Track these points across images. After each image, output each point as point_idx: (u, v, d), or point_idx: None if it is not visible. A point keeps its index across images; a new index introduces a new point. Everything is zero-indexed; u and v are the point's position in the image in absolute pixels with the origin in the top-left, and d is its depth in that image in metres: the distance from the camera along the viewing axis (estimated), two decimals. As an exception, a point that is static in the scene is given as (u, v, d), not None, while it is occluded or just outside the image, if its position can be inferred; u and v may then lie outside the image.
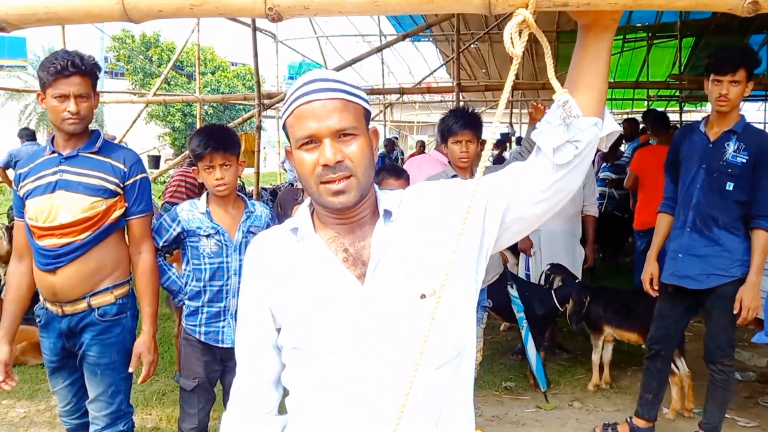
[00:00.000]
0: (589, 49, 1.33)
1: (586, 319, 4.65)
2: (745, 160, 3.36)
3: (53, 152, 2.70)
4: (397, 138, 17.51)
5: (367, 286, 1.37)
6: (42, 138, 14.54)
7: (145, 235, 2.79)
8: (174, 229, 2.88)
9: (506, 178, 1.44)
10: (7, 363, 2.77)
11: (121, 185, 2.70)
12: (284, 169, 16.60)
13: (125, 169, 2.71)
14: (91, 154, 2.69)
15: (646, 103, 17.78)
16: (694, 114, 21.04)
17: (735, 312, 3.38)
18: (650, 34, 11.47)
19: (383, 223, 1.41)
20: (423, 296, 1.36)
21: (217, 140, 2.81)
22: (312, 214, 1.46)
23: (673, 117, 19.06)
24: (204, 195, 2.97)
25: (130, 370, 2.75)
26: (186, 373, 2.96)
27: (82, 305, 2.70)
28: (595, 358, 4.73)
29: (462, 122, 3.48)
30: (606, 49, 1.33)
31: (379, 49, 10.45)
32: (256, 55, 8.69)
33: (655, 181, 5.54)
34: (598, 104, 1.33)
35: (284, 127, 1.41)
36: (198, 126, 14.03)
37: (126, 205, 2.73)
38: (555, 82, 1.26)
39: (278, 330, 1.46)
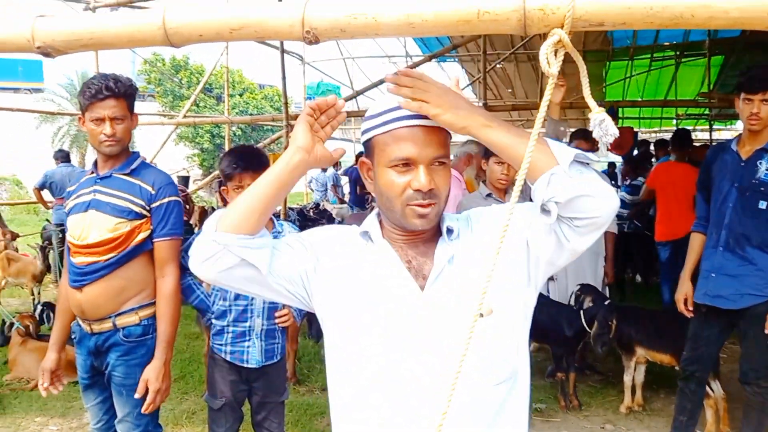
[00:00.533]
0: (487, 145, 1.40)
1: (617, 340, 4.58)
2: None
3: (93, 172, 2.77)
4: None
5: (426, 294, 1.40)
6: (75, 160, 14.80)
7: (169, 259, 2.75)
8: None
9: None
10: (53, 369, 2.83)
11: (147, 207, 2.71)
12: (310, 189, 16.72)
13: (152, 192, 2.72)
14: (123, 176, 2.72)
15: (674, 121, 17.60)
16: (723, 132, 20.74)
17: (767, 332, 3.31)
18: (678, 53, 11.41)
19: (447, 239, 1.46)
20: (481, 315, 1.38)
21: (247, 161, 2.83)
22: (380, 223, 1.50)
23: (703, 135, 18.88)
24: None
25: (136, 396, 2.66)
26: (213, 392, 2.97)
27: (108, 324, 2.72)
28: (627, 379, 4.64)
29: None
30: (488, 138, 1.35)
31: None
32: (284, 77, 8.81)
33: (671, 195, 5.95)
34: (536, 165, 1.29)
35: (368, 140, 1.42)
36: (226, 147, 14.22)
37: (152, 227, 2.73)
38: (591, 101, 1.26)
39: (302, 290, 1.47)
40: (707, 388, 4.02)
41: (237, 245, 1.37)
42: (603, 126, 1.25)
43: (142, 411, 2.70)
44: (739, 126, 22.19)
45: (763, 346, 3.39)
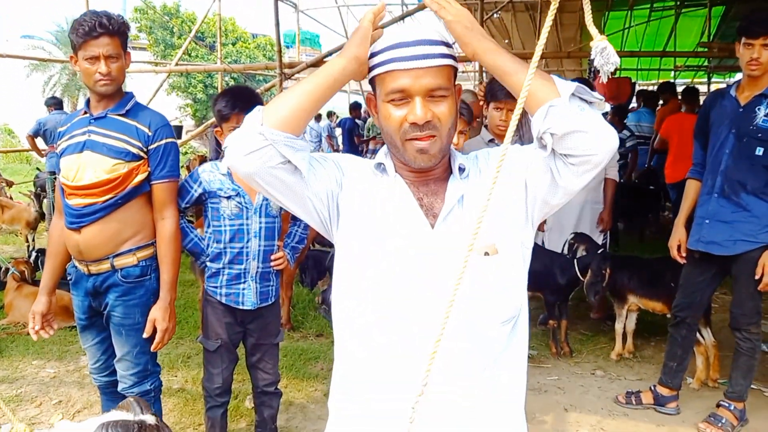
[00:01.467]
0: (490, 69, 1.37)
1: (610, 288, 4.62)
2: None
3: (86, 113, 2.72)
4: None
5: (436, 231, 1.41)
6: (67, 108, 14.62)
7: (168, 201, 2.75)
8: (195, 191, 2.87)
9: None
10: (44, 313, 2.84)
11: (145, 149, 2.69)
12: (304, 140, 16.61)
13: (149, 133, 2.69)
14: (118, 116, 2.68)
15: (672, 73, 17.42)
16: (721, 85, 20.59)
17: (757, 278, 3.36)
18: (678, 2, 11.22)
19: (458, 177, 1.45)
20: (486, 254, 1.39)
21: (244, 101, 2.78)
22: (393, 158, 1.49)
23: (701, 88, 18.73)
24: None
25: (144, 335, 2.73)
26: (208, 334, 2.99)
27: (106, 265, 2.72)
28: (618, 327, 4.70)
29: (507, 91, 3.45)
30: (494, 62, 1.35)
31: (401, 18, 10.33)
32: (277, 24, 8.64)
33: (681, 142, 6.68)
34: (536, 96, 1.29)
35: (371, 78, 1.42)
36: (220, 97, 14.02)
37: (149, 169, 2.72)
38: (592, 29, 1.23)
39: (326, 211, 1.47)
40: (698, 336, 4.08)
41: (283, 143, 1.33)
42: (604, 54, 1.23)
43: (152, 349, 2.76)
44: (738, 78, 22.08)
45: (754, 292, 3.43)
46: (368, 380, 1.45)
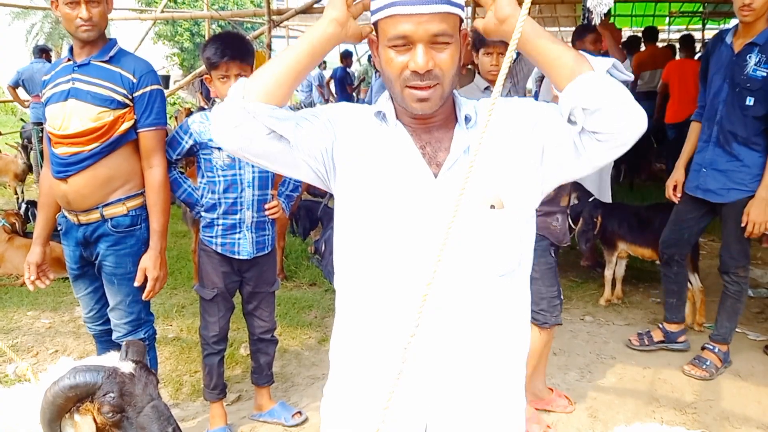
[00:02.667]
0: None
1: (600, 236, 4.66)
2: (765, 74, 3.30)
3: (69, 60, 2.67)
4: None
5: (440, 181, 1.38)
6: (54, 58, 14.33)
7: (155, 149, 2.72)
8: (186, 142, 2.84)
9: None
10: (39, 263, 2.85)
11: (130, 96, 2.64)
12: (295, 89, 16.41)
13: (134, 80, 2.64)
14: (102, 63, 2.64)
15: (667, 19, 17.22)
16: (715, 31, 20.39)
17: (743, 225, 3.43)
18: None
19: (465, 127, 1.42)
20: (492, 207, 1.38)
21: (234, 49, 2.73)
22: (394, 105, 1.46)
23: (696, 35, 18.53)
24: (216, 106, 2.91)
25: (135, 284, 2.73)
26: (205, 283, 3.01)
27: (95, 215, 2.71)
28: (608, 273, 4.77)
29: None
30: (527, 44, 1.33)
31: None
32: (265, -31, 8.45)
33: (681, 85, 7.25)
34: (567, 67, 1.30)
35: (374, 23, 1.37)
36: (207, 45, 13.74)
37: (135, 116, 2.68)
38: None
39: (322, 166, 1.45)
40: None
41: (267, 114, 1.32)
42: None
43: (143, 298, 2.77)
44: (732, 24, 21.85)
45: (742, 236, 3.50)
46: (368, 329, 1.46)
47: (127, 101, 2.64)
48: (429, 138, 1.42)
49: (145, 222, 2.79)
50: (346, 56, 13.93)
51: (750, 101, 3.36)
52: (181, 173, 3.01)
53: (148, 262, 2.74)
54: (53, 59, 9.63)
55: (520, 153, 1.41)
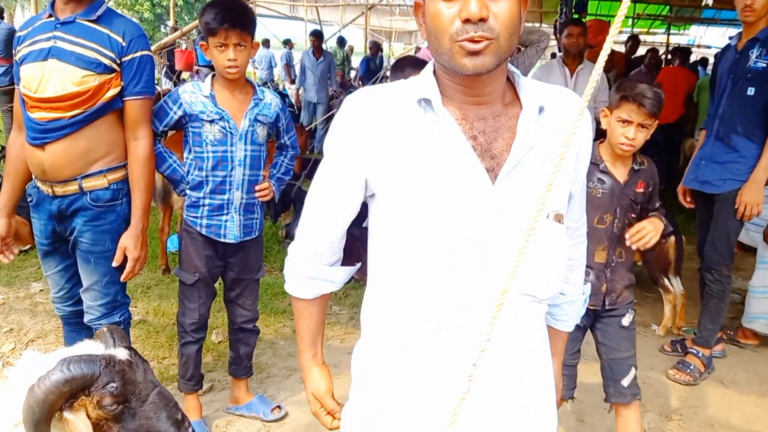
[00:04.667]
0: None
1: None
2: (765, 65, 3.35)
3: (50, 16, 2.42)
4: (378, 42, 16.90)
5: (498, 187, 1.19)
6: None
7: (142, 120, 2.52)
8: (175, 113, 2.63)
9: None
10: (4, 236, 2.62)
11: (118, 61, 2.43)
12: (254, 68, 16.08)
13: (123, 43, 2.43)
14: (88, 22, 2.40)
15: (630, 21, 17.44)
16: (677, 37, 20.80)
17: (735, 207, 3.44)
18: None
19: (536, 116, 1.23)
20: (549, 216, 1.25)
21: (235, 16, 2.53)
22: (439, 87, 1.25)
23: (660, 39, 18.83)
24: (209, 76, 2.71)
25: (114, 264, 2.55)
26: (186, 267, 2.80)
27: (73, 187, 2.49)
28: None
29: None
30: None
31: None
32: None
33: (669, 89, 7.17)
34: None
35: None
36: (170, 16, 13.34)
37: (122, 83, 2.47)
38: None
39: (369, 195, 1.31)
40: (667, 284, 4.13)
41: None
42: None
43: (122, 279, 2.58)
44: (692, 31, 22.33)
45: (731, 232, 3.54)
46: (396, 349, 1.30)
47: (115, 66, 2.42)
48: (483, 125, 1.22)
49: (127, 197, 2.57)
50: (314, 35, 13.70)
51: (751, 91, 3.41)
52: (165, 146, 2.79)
53: (129, 241, 2.54)
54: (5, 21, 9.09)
55: (569, 166, 1.30)
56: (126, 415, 1.48)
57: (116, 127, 2.52)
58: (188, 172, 2.72)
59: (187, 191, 2.73)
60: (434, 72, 1.26)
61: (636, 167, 2.53)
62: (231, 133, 2.65)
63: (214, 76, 2.69)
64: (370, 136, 1.23)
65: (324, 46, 11.62)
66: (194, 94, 2.64)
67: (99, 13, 2.43)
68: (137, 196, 2.55)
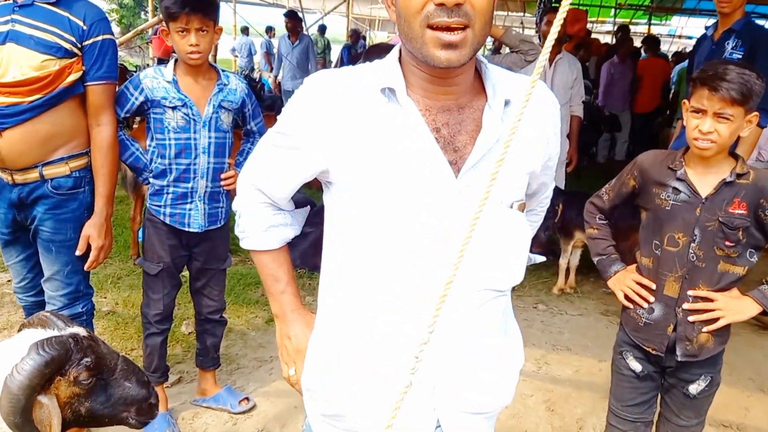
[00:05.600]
0: None
1: (559, 224, 4.59)
2: (740, 56, 3.34)
3: None
4: (359, 30, 16.81)
5: (461, 180, 1.17)
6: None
7: (105, 106, 2.47)
8: (137, 98, 2.57)
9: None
10: None
11: (79, 45, 2.37)
12: (234, 56, 15.95)
13: (84, 27, 2.36)
14: (47, 5, 2.33)
15: (612, 11, 17.49)
16: (658, 27, 20.89)
17: None
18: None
19: (501, 110, 1.19)
20: (513, 206, 1.23)
21: (197, 0, 2.46)
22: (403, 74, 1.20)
23: (641, 29, 18.90)
24: (171, 61, 2.65)
25: (77, 253, 2.49)
26: (149, 257, 2.75)
27: (34, 175, 2.42)
28: (562, 262, 4.71)
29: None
30: None
31: None
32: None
33: (648, 79, 8.48)
34: None
35: None
36: (148, 4, 13.12)
37: (84, 68, 2.40)
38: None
39: (327, 182, 1.29)
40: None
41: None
42: None
43: (85, 268, 2.52)
44: (674, 22, 22.44)
45: None
46: (369, 329, 1.28)
47: (75, 50, 2.35)
48: (446, 117, 1.19)
49: (89, 185, 2.52)
50: (289, 17, 13.59)
51: None
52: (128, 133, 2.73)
53: (92, 230, 2.48)
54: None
55: (535, 156, 1.29)
56: (97, 388, 1.53)
57: (78, 112, 2.46)
58: (151, 160, 2.66)
59: (151, 179, 2.67)
60: (399, 58, 1.22)
61: (730, 179, 1.96)
62: (194, 119, 2.60)
63: (176, 61, 2.63)
64: (332, 122, 1.20)
65: (306, 32, 11.52)
66: (156, 80, 2.58)
67: None
68: (101, 183, 2.50)
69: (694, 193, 1.99)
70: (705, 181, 2.00)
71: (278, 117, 1.30)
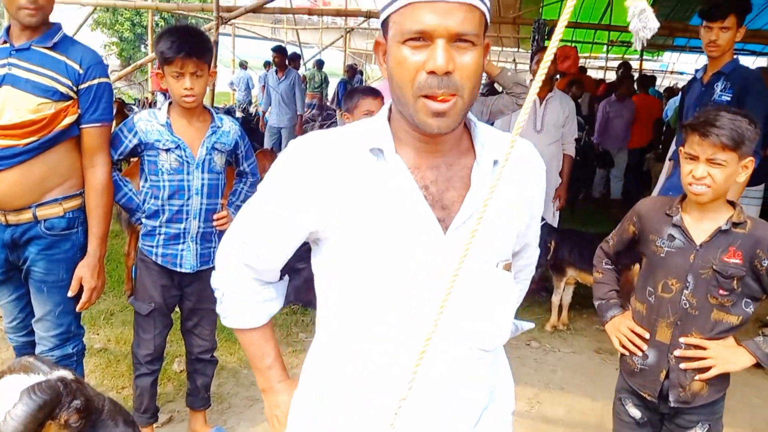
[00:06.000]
0: None
1: (551, 262, 4.61)
2: (729, 98, 3.41)
3: (5, 42, 2.40)
4: (355, 65, 17.01)
5: (449, 238, 1.20)
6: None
7: (99, 148, 2.51)
8: (130, 141, 2.61)
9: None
10: None
11: (75, 88, 2.42)
12: (232, 89, 16.12)
13: (81, 71, 2.41)
14: (44, 49, 2.39)
15: (605, 47, 17.73)
16: (650, 62, 21.17)
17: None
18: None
19: (490, 169, 1.22)
20: (499, 265, 1.26)
21: (192, 45, 2.50)
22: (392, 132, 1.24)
23: (633, 65, 19.13)
24: (165, 104, 2.70)
25: (69, 294, 2.51)
26: (141, 296, 2.76)
27: (27, 215, 2.45)
28: (555, 299, 4.72)
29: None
30: None
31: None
32: (217, -37, 8.15)
33: (641, 116, 8.59)
34: None
35: (385, 19, 1.18)
36: (149, 37, 13.35)
37: (79, 111, 2.45)
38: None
39: (315, 239, 1.30)
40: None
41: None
42: (643, 17, 1.05)
43: (77, 309, 2.54)
44: (665, 58, 22.74)
45: None
46: (350, 390, 1.30)
47: (72, 93, 2.40)
48: (435, 175, 1.22)
49: (82, 225, 2.55)
50: (293, 59, 13.78)
51: None
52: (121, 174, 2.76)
53: (85, 270, 2.51)
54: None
55: (521, 218, 1.31)
56: (86, 430, 1.50)
57: (73, 154, 2.50)
58: (144, 200, 2.69)
59: (143, 220, 2.70)
60: (388, 116, 1.26)
61: (725, 227, 1.97)
62: (187, 161, 2.63)
63: (171, 103, 2.68)
64: (322, 181, 1.21)
65: (303, 68, 11.63)
66: (150, 122, 2.62)
67: (55, 40, 2.42)
68: (95, 224, 2.53)
69: (688, 240, 2.00)
70: (700, 228, 2.01)
71: (258, 186, 1.33)
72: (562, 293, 4.72)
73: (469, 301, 1.22)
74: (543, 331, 4.70)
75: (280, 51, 9.31)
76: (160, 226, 2.68)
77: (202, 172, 2.66)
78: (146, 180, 2.68)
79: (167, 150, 2.60)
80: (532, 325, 1.55)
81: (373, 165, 1.21)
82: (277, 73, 9.03)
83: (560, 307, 4.75)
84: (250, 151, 2.89)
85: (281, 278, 1.45)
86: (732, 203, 2.04)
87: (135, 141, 2.61)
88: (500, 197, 1.22)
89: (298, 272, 3.62)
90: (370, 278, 1.22)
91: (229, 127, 2.76)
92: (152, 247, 2.70)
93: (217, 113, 2.78)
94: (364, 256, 1.21)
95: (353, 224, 1.21)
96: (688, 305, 2.00)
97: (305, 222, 1.24)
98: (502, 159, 1.19)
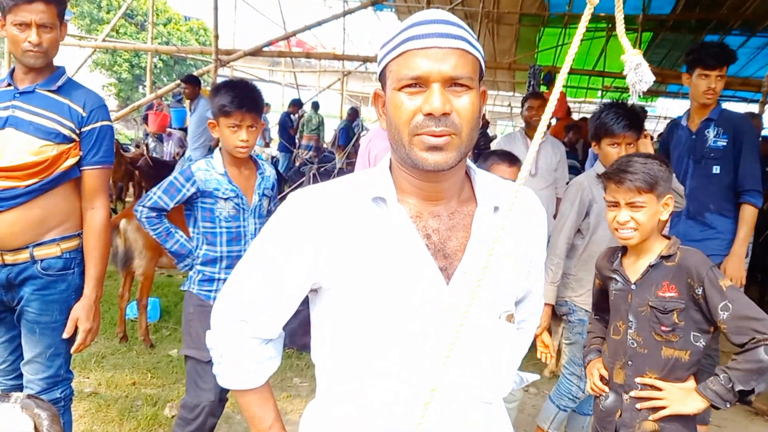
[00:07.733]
0: None
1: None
2: (725, 143, 3.47)
3: (9, 85, 2.42)
4: (357, 108, 17.20)
5: (452, 287, 1.19)
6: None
7: (100, 190, 2.52)
8: (188, 190, 2.67)
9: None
10: None
11: (77, 131, 2.43)
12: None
13: (84, 114, 2.44)
14: (48, 92, 2.41)
15: (599, 93, 17.99)
16: (648, 107, 21.45)
17: (729, 283, 3.44)
18: (611, 25, 11.52)
19: (491, 215, 1.23)
20: (501, 317, 1.25)
21: (251, 101, 2.64)
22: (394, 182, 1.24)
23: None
24: (218, 153, 2.76)
25: (65, 335, 2.48)
26: (199, 344, 2.65)
27: (24, 255, 2.43)
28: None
29: (624, 123, 2.87)
30: None
31: (343, 15, 10.21)
32: (216, 7, 8.29)
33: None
34: None
35: (382, 70, 1.20)
36: (147, 78, 13.49)
37: (81, 153, 2.46)
38: (624, 41, 1.10)
39: (315, 289, 1.28)
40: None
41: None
42: (639, 71, 1.09)
43: (72, 351, 2.51)
44: (658, 103, 23.05)
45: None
46: (358, 404, 1.26)
47: (74, 136, 2.42)
48: (437, 223, 1.22)
49: (79, 267, 2.53)
50: (293, 104, 13.99)
51: (716, 169, 3.51)
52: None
53: (81, 312, 2.48)
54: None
55: (520, 267, 1.31)
56: None
57: (72, 195, 2.50)
58: (197, 246, 2.75)
59: (198, 267, 2.75)
60: (390, 166, 1.26)
61: (654, 262, 2.04)
62: (243, 208, 2.74)
63: (220, 150, 2.76)
64: (322, 233, 1.21)
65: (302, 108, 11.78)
66: (208, 172, 2.70)
67: (59, 83, 2.44)
68: (92, 265, 2.52)
69: (625, 281, 2.09)
70: (635, 268, 2.09)
71: (252, 242, 1.33)
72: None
73: (472, 354, 1.21)
74: (541, 376, 4.64)
75: (188, 80, 8.33)
76: (220, 272, 2.73)
77: (255, 217, 2.77)
78: (198, 227, 2.74)
79: (226, 198, 2.69)
80: (537, 377, 1.53)
81: (376, 214, 1.21)
82: (189, 105, 8.28)
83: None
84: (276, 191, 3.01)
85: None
86: (667, 236, 2.12)
87: (193, 189, 2.68)
88: (502, 245, 1.21)
89: (294, 315, 3.59)
90: (372, 325, 1.21)
91: (270, 173, 2.89)
92: (211, 291, 2.74)
93: (259, 159, 2.90)
94: (366, 304, 1.20)
95: (355, 273, 1.20)
96: (635, 344, 2.05)
97: (306, 270, 1.23)
98: (503, 205, 1.21)
